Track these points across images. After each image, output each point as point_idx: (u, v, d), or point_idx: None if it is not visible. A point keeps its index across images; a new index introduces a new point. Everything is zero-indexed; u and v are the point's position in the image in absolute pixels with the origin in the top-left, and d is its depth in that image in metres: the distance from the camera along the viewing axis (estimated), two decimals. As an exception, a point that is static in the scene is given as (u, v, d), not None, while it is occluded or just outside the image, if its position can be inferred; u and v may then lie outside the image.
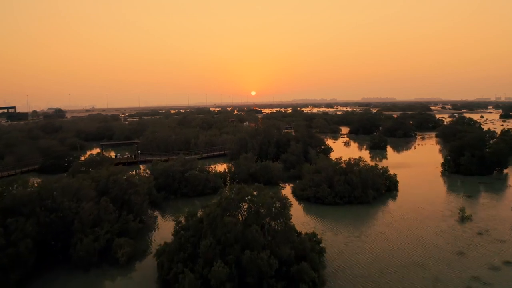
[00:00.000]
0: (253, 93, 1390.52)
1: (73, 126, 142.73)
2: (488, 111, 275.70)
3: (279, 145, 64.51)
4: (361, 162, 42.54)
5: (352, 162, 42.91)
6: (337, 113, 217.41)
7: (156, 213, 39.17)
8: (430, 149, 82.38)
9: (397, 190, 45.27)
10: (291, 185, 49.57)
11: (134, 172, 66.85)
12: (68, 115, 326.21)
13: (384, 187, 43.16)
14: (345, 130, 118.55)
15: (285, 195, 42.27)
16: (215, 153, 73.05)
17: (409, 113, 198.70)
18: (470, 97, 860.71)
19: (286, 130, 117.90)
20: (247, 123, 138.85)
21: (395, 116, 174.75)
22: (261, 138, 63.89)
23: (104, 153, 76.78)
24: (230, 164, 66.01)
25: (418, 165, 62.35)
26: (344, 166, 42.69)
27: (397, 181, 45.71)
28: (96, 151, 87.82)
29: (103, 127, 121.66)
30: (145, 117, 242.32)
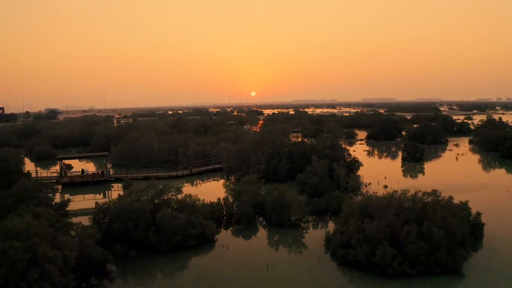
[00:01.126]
0: (253, 93, 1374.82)
1: (58, 129, 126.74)
2: (501, 112, 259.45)
3: (292, 159, 48.23)
4: (440, 198, 26.15)
5: (422, 196, 26.53)
6: (344, 114, 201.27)
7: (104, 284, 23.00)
8: (473, 161, 66.15)
9: (482, 236, 29.03)
10: (313, 216, 33.42)
11: (101, 195, 50.96)
12: (64, 116, 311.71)
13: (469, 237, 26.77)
14: (361, 134, 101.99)
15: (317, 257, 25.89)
16: (208, 168, 56.56)
17: (422, 114, 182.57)
18: (471, 97, 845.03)
19: (292, 134, 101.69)
20: (248, 126, 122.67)
21: (408, 117, 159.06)
22: (269, 150, 47.58)
23: (74, 167, 60.62)
24: (228, 183, 49.78)
25: (478, 187, 45.90)
26: (406, 204, 26.32)
27: (483, 224, 29.42)
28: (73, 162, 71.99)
29: (84, 131, 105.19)
30: (140, 118, 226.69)
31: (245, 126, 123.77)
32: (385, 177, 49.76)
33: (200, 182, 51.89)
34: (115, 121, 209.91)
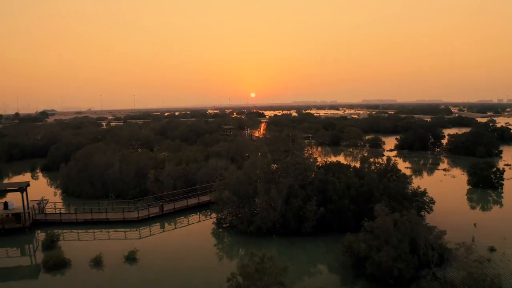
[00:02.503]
0: (253, 95, 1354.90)
1: (31, 134, 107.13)
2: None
3: (325, 195, 28.71)
4: None
5: None
6: (353, 116, 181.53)
7: None
8: None
9: None
10: None
11: (19, 250, 31.29)
12: (55, 118, 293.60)
13: None
14: (389, 142, 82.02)
15: None
16: (190, 203, 36.65)
17: (443, 117, 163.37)
18: (472, 99, 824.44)
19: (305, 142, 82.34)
20: (248, 131, 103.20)
21: (428, 120, 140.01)
22: (289, 183, 27.94)
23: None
24: (219, 230, 30.23)
25: None
26: None
27: None
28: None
29: (50, 139, 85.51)
30: (132, 121, 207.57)
31: (245, 131, 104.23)
32: (474, 225, 30.39)
33: (174, 229, 32.35)
34: (104, 124, 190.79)
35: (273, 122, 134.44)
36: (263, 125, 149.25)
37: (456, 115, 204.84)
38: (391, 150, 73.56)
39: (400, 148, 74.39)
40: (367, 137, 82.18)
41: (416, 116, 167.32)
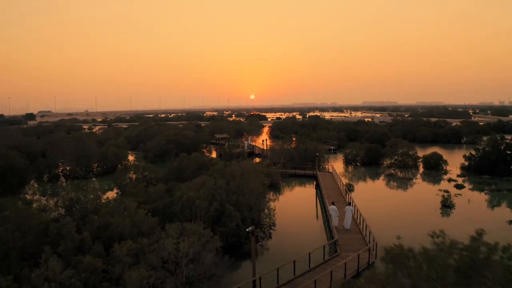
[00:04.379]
0: (252, 96, 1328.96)
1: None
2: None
3: None
4: None
5: None
6: (366, 119, 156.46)
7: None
8: None
9: None
10: None
11: None
12: (46, 119, 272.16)
13: None
14: (453, 161, 56.55)
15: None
16: None
17: (476, 120, 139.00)
18: (473, 100, 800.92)
19: (328, 156, 57.65)
20: (249, 141, 78.20)
21: (459, 124, 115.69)
22: None
23: None
24: None
25: None
26: None
27: None
28: None
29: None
30: (118, 124, 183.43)
31: (244, 140, 79.35)
32: None
33: None
34: (86, 127, 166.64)
35: (278, 127, 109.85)
36: (266, 130, 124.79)
37: (476, 118, 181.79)
38: (461, 176, 48.38)
39: (476, 172, 49.12)
40: (420, 153, 57.08)
41: (434, 119, 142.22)
